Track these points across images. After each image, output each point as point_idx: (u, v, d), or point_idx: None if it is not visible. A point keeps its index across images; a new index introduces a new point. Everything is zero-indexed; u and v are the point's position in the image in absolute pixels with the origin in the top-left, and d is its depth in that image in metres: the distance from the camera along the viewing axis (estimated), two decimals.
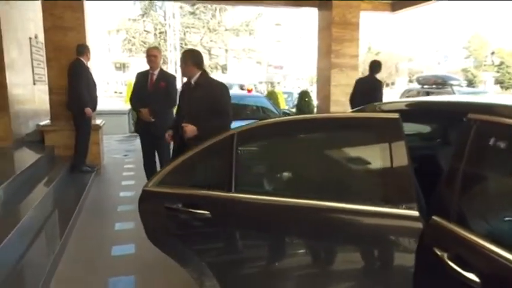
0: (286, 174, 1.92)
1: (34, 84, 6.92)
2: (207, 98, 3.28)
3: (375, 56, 35.20)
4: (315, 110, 8.78)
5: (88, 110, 5.53)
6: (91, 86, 5.68)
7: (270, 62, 38.66)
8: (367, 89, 6.14)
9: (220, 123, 3.14)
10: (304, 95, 10.56)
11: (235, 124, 5.00)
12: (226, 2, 8.39)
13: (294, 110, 10.69)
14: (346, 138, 1.84)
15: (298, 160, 1.89)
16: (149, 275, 3.04)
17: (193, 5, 24.53)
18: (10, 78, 5.75)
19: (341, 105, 6.64)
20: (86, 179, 5.53)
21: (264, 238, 1.89)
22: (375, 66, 6.39)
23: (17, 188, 4.10)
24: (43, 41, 6.26)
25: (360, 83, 6.49)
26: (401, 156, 1.55)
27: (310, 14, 9.03)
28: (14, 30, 6.11)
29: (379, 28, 33.66)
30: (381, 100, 5.49)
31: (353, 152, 1.84)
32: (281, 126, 1.92)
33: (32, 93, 6.81)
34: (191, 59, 3.39)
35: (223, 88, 3.38)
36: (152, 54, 4.53)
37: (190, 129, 3.25)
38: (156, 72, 4.55)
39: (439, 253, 1.35)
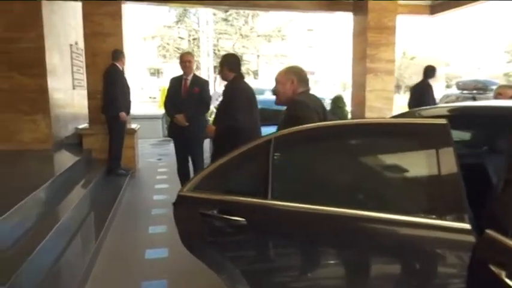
0: (324, 181, 1.85)
1: (74, 89, 7.18)
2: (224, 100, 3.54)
3: (410, 60, 34.31)
4: (349, 115, 8.60)
5: (122, 114, 5.67)
6: (125, 90, 5.82)
7: (302, 68, 38.46)
8: (419, 94, 6.33)
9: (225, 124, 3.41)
10: (337, 101, 10.37)
11: (267, 129, 4.96)
12: (260, 8, 8.37)
13: None
14: (389, 144, 1.75)
15: (337, 167, 1.82)
16: (181, 279, 3.04)
17: (226, 11, 24.80)
18: (51, 83, 5.99)
19: (376, 111, 6.47)
20: (121, 182, 5.65)
21: (300, 247, 1.82)
22: (428, 71, 6.51)
23: (56, 189, 4.23)
24: (83, 47, 6.48)
25: (414, 89, 6.72)
26: (450, 164, 1.45)
27: (344, 19, 8.88)
28: (57, 37, 6.37)
29: (414, 31, 32.78)
30: (431, 105, 5.36)
31: (396, 159, 1.75)
32: (320, 131, 1.86)
33: (72, 97, 7.06)
34: (225, 63, 3.60)
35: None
36: (186, 60, 4.58)
37: (209, 129, 3.66)
38: (190, 77, 4.60)
39: (495, 271, 1.25)
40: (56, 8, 6.39)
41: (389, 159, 1.78)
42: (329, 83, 40.55)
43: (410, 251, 1.52)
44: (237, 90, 3.53)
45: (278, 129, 2.66)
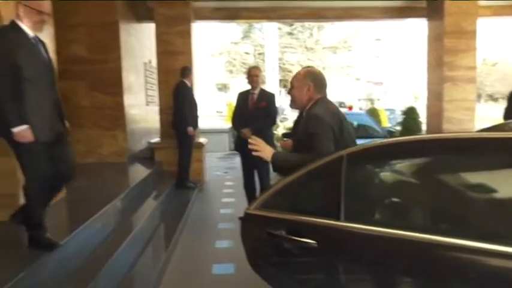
0: (404, 203, 1.68)
1: (147, 105, 7.59)
2: None
3: (491, 67, 31.73)
4: (424, 128, 8.06)
5: (190, 129, 5.83)
6: (193, 106, 6.00)
7: (369, 78, 37.33)
8: None
9: None
10: (410, 112, 9.80)
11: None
12: (326, 19, 8.25)
13: (398, 128, 9.98)
14: (480, 162, 1.54)
15: (419, 187, 1.64)
16: None
17: (291, 25, 24.96)
18: (127, 100, 6.37)
19: (456, 123, 5.97)
20: (189, 195, 5.79)
21: (373, 273, 1.66)
22: None
23: (130, 200, 4.43)
24: (156, 66, 6.83)
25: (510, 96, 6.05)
26: None
27: (415, 26, 8.41)
28: (132, 57, 6.80)
29: (495, 34, 30.22)
30: None
31: (488, 179, 1.53)
32: (399, 147, 1.69)
33: (145, 113, 7.46)
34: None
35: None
36: (253, 74, 4.59)
37: (285, 146, 3.44)
38: (257, 91, 4.59)
39: None
40: (132, 30, 6.83)
41: (479, 178, 1.56)
42: (398, 93, 38.81)
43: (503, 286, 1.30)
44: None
45: (295, 144, 2.48)
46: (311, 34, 26.52)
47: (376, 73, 37.81)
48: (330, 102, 2.32)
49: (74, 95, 5.84)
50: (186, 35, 6.44)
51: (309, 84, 2.26)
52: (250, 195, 4.80)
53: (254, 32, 26.36)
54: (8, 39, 2.30)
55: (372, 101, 35.13)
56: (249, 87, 4.62)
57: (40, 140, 2.44)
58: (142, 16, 7.16)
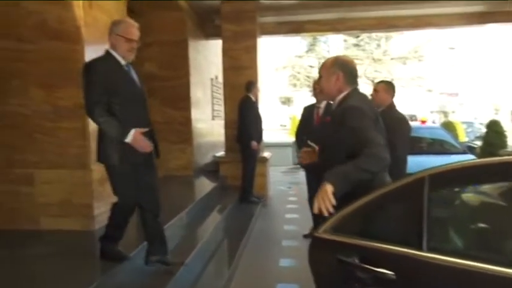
0: (498, 233, 1.46)
1: (213, 119, 7.77)
2: None
3: None
4: (510, 143, 7.32)
5: (253, 143, 5.82)
6: (257, 120, 5.99)
7: (442, 90, 35.19)
8: None
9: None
10: (493, 125, 8.96)
11: (409, 159, 4.46)
12: (397, 28, 7.90)
13: (478, 142, 9.18)
14: None
15: None
16: None
17: (358, 36, 24.38)
18: (195, 114, 6.56)
19: None
20: (253, 210, 5.75)
21: None
22: None
23: (196, 213, 4.49)
24: (221, 81, 6.98)
25: None
26: None
27: (492, 33, 7.73)
28: (200, 73, 7.02)
29: None
30: None
31: None
32: (493, 168, 1.48)
33: (211, 127, 7.64)
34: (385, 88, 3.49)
35: None
36: (318, 87, 4.47)
37: None
38: (323, 105, 4.45)
39: None
40: (200, 47, 7.07)
41: None
42: (476, 105, 36.08)
43: None
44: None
45: (322, 139, 2.24)
46: (378, 45, 25.65)
47: (450, 84, 35.57)
48: (364, 94, 2.09)
49: None
50: (252, 50, 6.52)
51: (337, 73, 2.02)
52: (317, 215, 4.63)
53: (319, 45, 26.12)
54: (103, 68, 2.44)
55: (445, 113, 33.02)
56: (314, 100, 4.50)
57: (127, 162, 2.51)
58: (209, 33, 7.40)
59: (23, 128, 3.35)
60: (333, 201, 1.71)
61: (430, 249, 1.47)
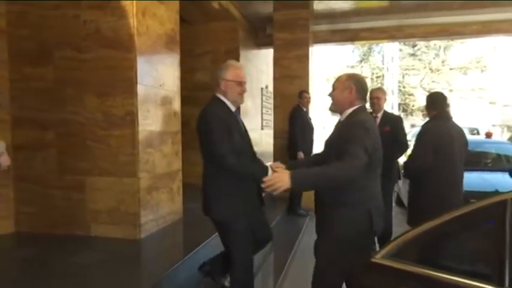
0: None
1: (262, 129, 7.68)
2: None
3: None
4: None
5: (300, 154, 5.62)
6: (306, 130, 5.80)
7: (506, 102, 32.80)
8: None
9: None
10: None
11: (469, 175, 4.14)
12: (462, 36, 7.40)
13: None
14: None
15: None
16: None
17: (414, 46, 23.47)
18: (245, 124, 6.50)
19: None
20: (300, 223, 5.55)
21: None
22: None
23: None
24: (271, 90, 6.89)
25: None
26: None
27: None
28: (250, 82, 6.97)
29: None
30: None
31: None
32: None
33: (260, 137, 7.55)
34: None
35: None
36: (375, 96, 4.23)
37: None
38: (380, 115, 4.20)
39: None
40: (251, 56, 7.04)
41: None
42: None
43: None
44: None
45: (326, 149, 2.34)
46: (437, 54, 24.50)
47: None
48: (369, 113, 2.27)
49: (195, 119, 6.17)
50: (304, 58, 6.37)
51: (351, 87, 2.21)
52: None
53: (373, 55, 25.46)
54: (222, 115, 2.37)
55: (509, 127, 30.74)
56: (371, 110, 4.27)
57: (244, 214, 2.41)
58: (261, 42, 7.36)
59: (77, 135, 3.44)
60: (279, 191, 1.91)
61: None
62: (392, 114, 4.50)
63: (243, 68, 2.53)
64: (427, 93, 3.62)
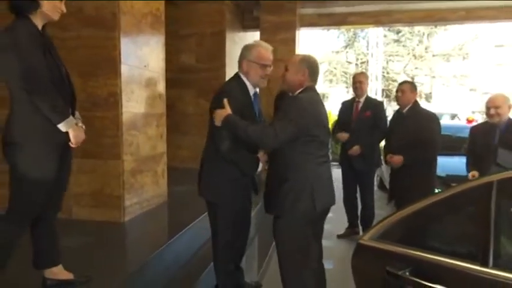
0: None
1: None
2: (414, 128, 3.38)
3: None
4: None
5: None
6: None
7: (486, 89, 33.45)
8: None
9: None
10: None
11: (448, 160, 4.26)
12: (446, 22, 7.44)
13: None
14: None
15: None
16: None
17: (399, 32, 23.56)
18: None
19: None
20: None
21: None
22: None
23: None
24: None
25: None
26: None
27: None
28: (236, 65, 6.88)
29: None
30: None
31: None
32: None
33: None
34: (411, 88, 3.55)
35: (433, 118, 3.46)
36: (357, 80, 4.25)
37: (395, 160, 3.41)
38: (362, 99, 4.23)
39: None
40: (237, 39, 6.93)
41: None
42: None
43: None
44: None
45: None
46: (420, 41, 24.68)
47: (496, 83, 33.73)
48: (317, 93, 2.33)
49: (182, 102, 6.08)
50: (291, 42, 6.30)
51: (304, 70, 2.27)
52: (350, 211, 4.45)
53: (358, 40, 25.46)
54: (238, 93, 2.34)
55: None
56: (351, 96, 4.30)
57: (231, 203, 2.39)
58: (247, 25, 7.24)
59: None
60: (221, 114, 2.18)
61: (497, 266, 1.26)
62: (374, 100, 4.54)
63: (271, 50, 2.43)
64: (411, 79, 3.77)
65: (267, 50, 2.39)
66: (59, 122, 1.90)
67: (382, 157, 4.58)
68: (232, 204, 2.36)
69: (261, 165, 2.34)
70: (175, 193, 4.28)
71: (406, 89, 3.53)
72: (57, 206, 2.13)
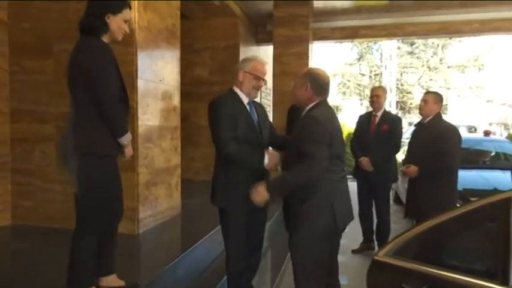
0: None
1: None
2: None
3: None
4: None
5: None
6: None
7: (504, 100, 32.87)
8: None
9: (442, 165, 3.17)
10: None
11: (467, 174, 4.18)
12: (461, 34, 7.38)
13: None
14: None
15: None
16: None
17: (413, 44, 23.45)
18: None
19: None
20: None
21: None
22: None
23: None
24: (271, 87, 6.86)
25: None
26: None
27: None
28: None
29: None
30: None
31: None
32: None
33: None
34: (435, 99, 3.43)
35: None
36: (375, 94, 4.23)
37: (410, 171, 3.31)
38: (379, 113, 4.20)
39: None
40: (250, 53, 7.00)
41: None
42: None
43: None
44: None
45: (289, 148, 2.33)
46: (435, 53, 24.49)
47: None
48: (329, 107, 2.27)
49: (195, 115, 6.14)
50: (304, 55, 6.35)
51: (306, 85, 2.21)
52: (366, 226, 4.38)
53: (371, 52, 25.42)
54: (228, 105, 2.41)
55: (506, 125, 30.84)
56: (365, 109, 4.27)
57: (241, 210, 2.40)
58: (261, 39, 7.32)
59: None
60: (256, 195, 2.12)
61: None
62: (392, 114, 4.51)
63: (265, 64, 2.54)
64: (425, 91, 3.70)
65: (262, 65, 2.50)
66: (122, 136, 2.03)
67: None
68: (243, 211, 2.37)
69: (267, 157, 2.34)
70: (189, 205, 4.30)
71: (430, 99, 3.42)
72: (118, 215, 2.24)
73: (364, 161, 4.05)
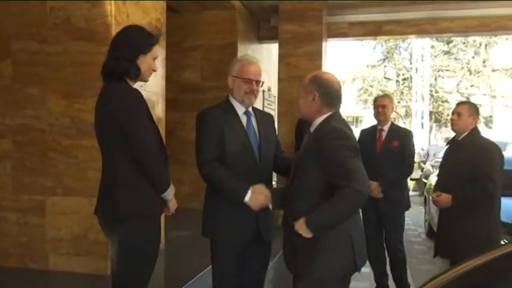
0: None
1: None
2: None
3: None
4: None
5: None
6: None
7: None
8: None
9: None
10: None
11: (510, 202, 4.14)
12: (507, 32, 7.46)
13: None
14: None
15: None
16: None
17: (449, 42, 23.68)
18: None
19: None
20: None
21: None
22: None
23: None
24: (275, 94, 6.91)
25: None
26: None
27: None
28: None
29: None
30: None
31: None
32: None
33: None
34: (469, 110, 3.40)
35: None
36: (380, 104, 4.20)
37: (443, 199, 3.26)
38: (386, 127, 4.19)
39: None
40: (250, 52, 7.08)
41: None
42: None
43: None
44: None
45: (294, 168, 2.22)
46: (476, 53, 24.74)
47: None
48: (342, 119, 2.20)
49: (183, 128, 6.18)
50: (316, 56, 6.38)
51: (313, 93, 2.12)
52: (377, 267, 4.28)
53: (398, 52, 25.67)
54: (213, 117, 2.47)
55: None
56: (376, 121, 4.27)
57: (233, 239, 2.44)
58: (263, 36, 7.41)
59: (37, 145, 3.44)
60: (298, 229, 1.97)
61: None
62: (401, 128, 4.52)
63: (256, 63, 2.54)
64: (457, 102, 3.70)
65: (251, 64, 2.50)
66: (165, 190, 2.13)
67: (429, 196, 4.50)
68: (235, 240, 2.40)
69: (248, 195, 2.32)
70: (175, 240, 4.29)
71: (464, 111, 3.39)
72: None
73: (373, 185, 3.95)
